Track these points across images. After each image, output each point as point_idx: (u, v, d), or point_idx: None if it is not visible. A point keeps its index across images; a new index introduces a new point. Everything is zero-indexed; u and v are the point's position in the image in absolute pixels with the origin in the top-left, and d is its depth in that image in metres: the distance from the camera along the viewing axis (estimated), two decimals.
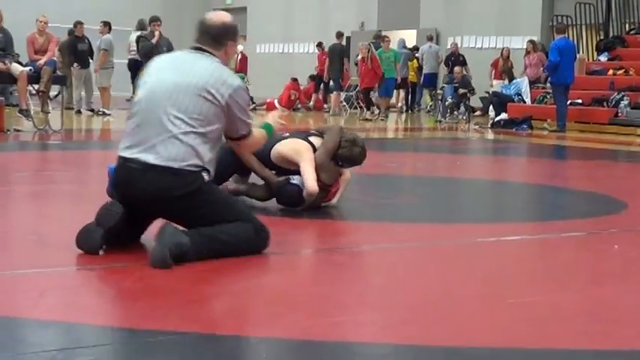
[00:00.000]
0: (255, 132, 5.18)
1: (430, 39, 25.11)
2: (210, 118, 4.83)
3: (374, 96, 22.39)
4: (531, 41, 21.39)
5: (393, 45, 23.54)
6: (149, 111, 4.87)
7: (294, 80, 24.19)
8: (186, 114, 4.79)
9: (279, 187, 6.39)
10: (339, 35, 23.74)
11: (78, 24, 19.45)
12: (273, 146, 6.47)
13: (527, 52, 21.15)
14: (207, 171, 4.87)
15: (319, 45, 25.95)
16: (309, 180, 6.25)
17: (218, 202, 4.92)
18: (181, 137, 4.75)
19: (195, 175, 4.81)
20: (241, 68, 29.73)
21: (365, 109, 21.99)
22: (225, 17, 5.27)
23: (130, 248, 5.10)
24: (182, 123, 4.78)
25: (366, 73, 21.09)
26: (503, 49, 22.70)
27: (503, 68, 21.69)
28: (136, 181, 4.85)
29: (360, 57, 21.46)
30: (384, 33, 27.55)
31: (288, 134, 6.77)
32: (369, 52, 20.95)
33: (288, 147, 6.51)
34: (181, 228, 4.73)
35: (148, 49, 15.00)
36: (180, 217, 4.85)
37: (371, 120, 20.49)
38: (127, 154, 4.91)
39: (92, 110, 19.14)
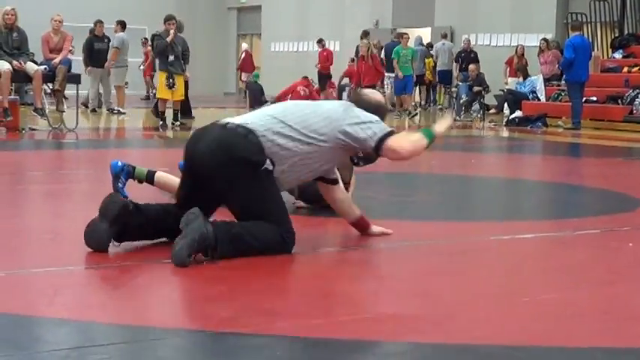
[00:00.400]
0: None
1: (444, 36, 25.12)
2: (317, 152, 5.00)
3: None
4: (545, 39, 21.34)
5: (411, 42, 23.52)
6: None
7: (305, 78, 24.20)
8: (301, 127, 4.96)
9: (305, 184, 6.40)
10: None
11: (98, 23, 19.48)
12: None
13: (542, 51, 21.10)
14: (271, 170, 4.90)
15: (320, 42, 25.97)
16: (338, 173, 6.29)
17: (265, 193, 4.93)
18: (273, 134, 4.90)
19: (261, 153, 4.87)
20: (244, 67, 29.88)
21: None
22: (380, 99, 5.46)
23: (144, 246, 5.12)
24: (290, 129, 4.94)
25: (367, 71, 20.98)
26: (517, 46, 22.64)
27: (518, 66, 21.65)
28: (204, 135, 4.99)
29: (360, 54, 21.47)
30: (399, 31, 27.58)
31: None
32: (369, 50, 20.89)
33: None
34: (210, 220, 4.74)
35: (162, 48, 15.04)
36: (227, 191, 4.91)
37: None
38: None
39: (111, 109, 19.19)
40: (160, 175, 6.45)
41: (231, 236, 4.73)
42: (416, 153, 5.14)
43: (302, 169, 5.05)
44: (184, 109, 17.97)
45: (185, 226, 4.60)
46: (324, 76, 25.01)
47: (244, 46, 30.60)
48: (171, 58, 14.95)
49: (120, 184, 6.37)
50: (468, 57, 23.66)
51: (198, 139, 5.04)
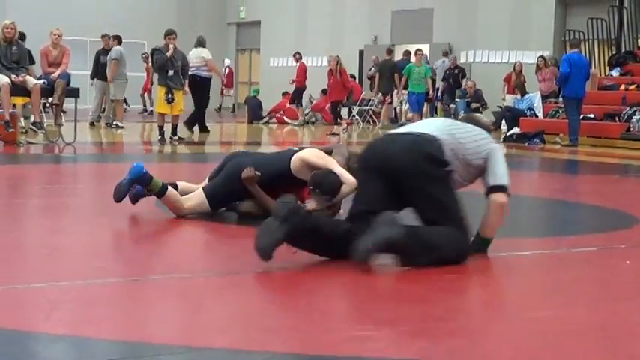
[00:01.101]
0: None
1: (445, 54, 25.16)
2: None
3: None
4: (542, 57, 21.39)
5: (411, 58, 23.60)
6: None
7: (285, 93, 24.32)
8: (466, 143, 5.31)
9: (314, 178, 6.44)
10: (390, 52, 23.84)
11: (104, 36, 19.65)
12: (290, 157, 6.53)
13: (539, 68, 21.13)
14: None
15: (296, 55, 25.72)
16: (345, 174, 6.36)
17: (453, 192, 5.24)
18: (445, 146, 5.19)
19: (446, 157, 5.19)
20: (228, 83, 30.01)
21: (335, 123, 21.37)
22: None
23: (140, 262, 5.12)
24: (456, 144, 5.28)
25: (335, 85, 20.83)
26: (515, 63, 22.68)
27: (516, 83, 21.68)
28: (393, 141, 5.27)
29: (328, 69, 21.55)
30: (396, 47, 27.65)
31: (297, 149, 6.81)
32: (337, 64, 20.77)
33: (311, 153, 6.57)
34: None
35: (162, 62, 15.08)
36: (420, 187, 5.14)
37: (339, 135, 18.88)
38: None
39: (108, 124, 19.21)
40: (172, 192, 6.42)
41: (420, 240, 4.95)
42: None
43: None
44: (200, 124, 18.26)
45: (379, 224, 4.80)
46: (300, 90, 24.52)
47: (227, 61, 30.61)
48: (170, 72, 14.98)
49: (131, 189, 6.38)
50: (453, 74, 23.79)
51: (387, 144, 5.29)
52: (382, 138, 5.52)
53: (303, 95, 24.68)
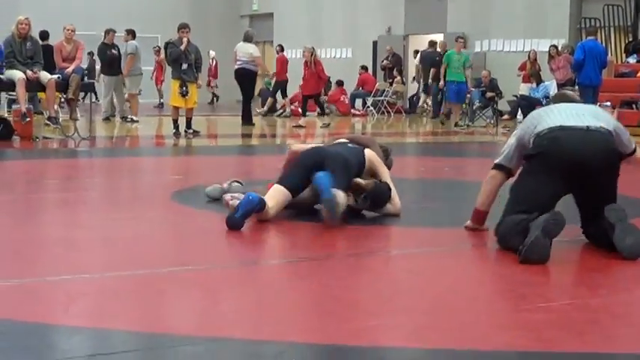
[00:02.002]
0: None
1: (432, 45, 25.09)
2: None
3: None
4: (554, 46, 21.29)
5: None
6: None
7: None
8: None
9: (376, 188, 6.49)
10: (432, 44, 23.85)
11: (109, 31, 19.51)
12: (361, 152, 6.62)
13: (552, 57, 21.04)
14: None
15: (277, 47, 25.37)
16: (396, 197, 6.55)
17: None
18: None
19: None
20: (214, 74, 30.06)
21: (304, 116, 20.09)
22: None
23: (158, 254, 5.13)
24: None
25: (310, 77, 19.62)
26: (530, 51, 22.59)
27: (531, 71, 21.59)
28: (585, 142, 5.38)
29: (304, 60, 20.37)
30: (410, 37, 27.65)
31: (343, 140, 6.84)
32: (312, 55, 19.68)
33: (376, 156, 6.74)
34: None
35: (176, 56, 15.09)
36: (604, 186, 5.54)
37: (304, 127, 18.31)
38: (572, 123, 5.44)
39: (124, 118, 19.21)
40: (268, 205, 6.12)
41: None
42: None
43: None
44: (246, 116, 18.98)
45: (619, 221, 5.18)
46: (281, 84, 23.80)
47: (212, 53, 30.53)
48: (184, 66, 14.98)
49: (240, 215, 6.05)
50: (432, 60, 23.75)
51: (577, 143, 5.36)
52: (566, 134, 5.41)
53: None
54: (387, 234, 6.16)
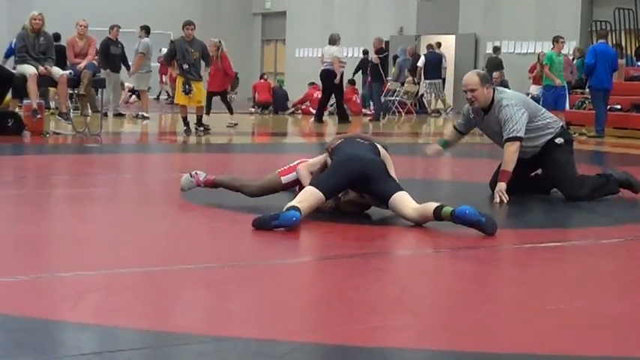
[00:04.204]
0: None
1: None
2: None
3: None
4: None
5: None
6: None
7: (314, 84, 24.12)
8: None
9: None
10: (496, 49, 24.35)
11: (114, 27, 19.50)
12: (375, 150, 6.61)
13: None
14: None
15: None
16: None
17: None
18: None
19: None
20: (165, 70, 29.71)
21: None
22: None
23: (167, 251, 5.14)
24: None
25: (216, 73, 18.05)
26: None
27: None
28: None
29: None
30: (422, 38, 27.65)
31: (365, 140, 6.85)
32: (218, 49, 18.20)
33: (386, 152, 6.72)
34: None
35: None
36: None
37: (233, 126, 17.52)
38: None
39: (120, 114, 19.18)
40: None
41: None
42: None
43: None
44: (341, 114, 20.11)
45: None
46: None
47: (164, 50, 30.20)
48: (185, 66, 14.93)
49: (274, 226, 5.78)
50: (412, 63, 23.96)
51: None
52: None
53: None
54: (394, 234, 6.15)
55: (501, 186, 7.38)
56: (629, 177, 7.92)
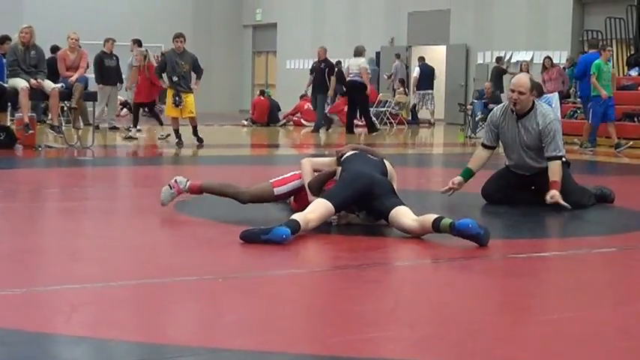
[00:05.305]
0: None
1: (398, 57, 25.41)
2: None
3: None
4: (548, 57, 21.30)
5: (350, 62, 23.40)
6: None
7: (305, 96, 24.17)
8: None
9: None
10: (498, 60, 24.50)
11: (109, 40, 19.51)
12: (381, 164, 6.66)
13: (545, 68, 21.03)
14: None
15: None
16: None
17: None
18: None
19: None
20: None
21: (133, 127, 17.80)
22: None
23: (161, 264, 5.13)
24: None
25: (143, 84, 17.79)
26: (522, 63, 22.57)
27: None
28: None
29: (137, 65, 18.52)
30: (413, 49, 27.73)
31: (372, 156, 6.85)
32: (145, 59, 17.96)
33: (392, 168, 6.80)
34: None
35: (158, 71, 15.42)
36: None
37: (136, 139, 17.08)
38: None
39: (114, 127, 19.18)
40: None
41: None
42: None
43: None
44: (370, 124, 20.69)
45: None
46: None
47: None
48: (175, 78, 14.96)
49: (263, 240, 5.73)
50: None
51: None
52: None
53: None
54: (389, 246, 6.15)
55: (556, 193, 7.52)
56: (602, 189, 8.27)
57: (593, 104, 16.80)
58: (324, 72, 21.54)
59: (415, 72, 25.08)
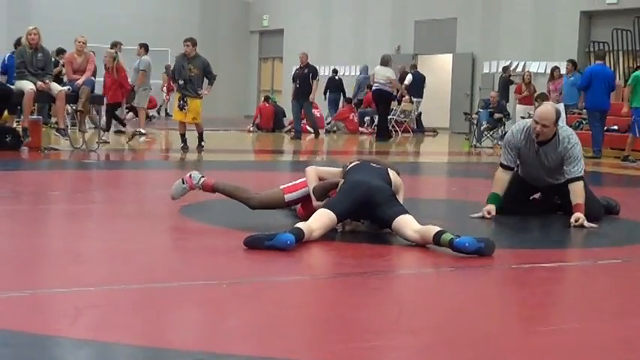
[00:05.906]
0: None
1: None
2: None
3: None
4: (557, 67, 21.31)
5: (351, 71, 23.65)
6: None
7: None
8: None
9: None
10: (505, 69, 24.58)
11: (117, 44, 19.56)
12: (385, 173, 6.64)
13: (553, 78, 21.04)
14: None
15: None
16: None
17: None
18: None
19: None
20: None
21: (105, 131, 17.25)
22: None
23: (165, 267, 5.14)
24: None
25: (112, 85, 17.89)
26: (524, 73, 22.57)
27: (539, 93, 21.60)
28: None
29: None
30: (419, 57, 27.74)
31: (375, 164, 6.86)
32: (114, 60, 18.09)
33: (397, 177, 6.79)
34: None
35: (171, 73, 15.51)
36: None
37: (108, 142, 16.30)
38: None
39: (120, 131, 19.21)
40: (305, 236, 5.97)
41: None
42: None
43: None
44: (382, 133, 21.32)
45: None
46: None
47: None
48: (181, 82, 15.02)
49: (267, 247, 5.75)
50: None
51: None
52: None
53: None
54: (392, 253, 6.15)
55: (580, 216, 7.41)
56: (608, 200, 8.35)
57: (636, 116, 16.63)
58: (307, 77, 21.20)
59: (407, 79, 25.11)
